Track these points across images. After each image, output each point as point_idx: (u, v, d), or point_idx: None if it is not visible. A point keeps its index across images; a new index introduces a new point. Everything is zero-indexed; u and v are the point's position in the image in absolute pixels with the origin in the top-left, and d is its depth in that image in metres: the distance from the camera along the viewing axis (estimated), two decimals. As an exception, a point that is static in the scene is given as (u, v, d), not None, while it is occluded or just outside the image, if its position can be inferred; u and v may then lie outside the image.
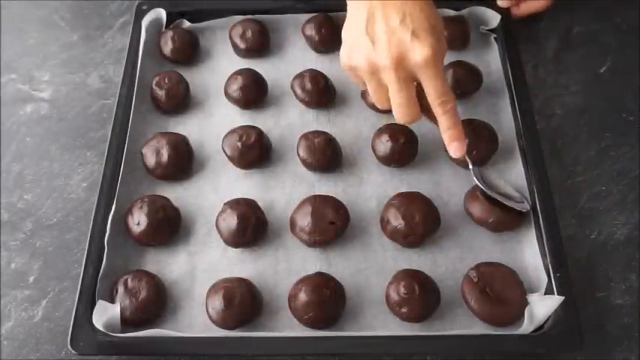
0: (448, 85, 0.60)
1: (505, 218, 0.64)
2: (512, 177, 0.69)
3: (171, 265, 0.65)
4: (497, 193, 0.65)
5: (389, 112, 0.74)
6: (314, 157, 0.69)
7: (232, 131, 0.71)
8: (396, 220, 0.63)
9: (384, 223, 0.65)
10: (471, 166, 0.66)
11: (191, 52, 0.80)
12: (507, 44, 0.78)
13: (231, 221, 0.64)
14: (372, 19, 0.59)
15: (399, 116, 0.61)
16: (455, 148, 0.61)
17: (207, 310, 0.60)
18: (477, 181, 0.65)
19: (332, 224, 0.64)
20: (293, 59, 0.81)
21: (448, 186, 0.69)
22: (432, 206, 0.65)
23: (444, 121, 0.60)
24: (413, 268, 0.62)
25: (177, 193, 0.69)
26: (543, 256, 0.62)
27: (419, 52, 0.56)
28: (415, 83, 0.60)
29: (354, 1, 0.61)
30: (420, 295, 0.59)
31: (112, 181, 0.68)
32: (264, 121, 0.75)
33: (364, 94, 0.75)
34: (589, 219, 0.68)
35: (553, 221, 0.64)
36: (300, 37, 0.82)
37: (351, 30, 0.61)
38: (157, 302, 0.61)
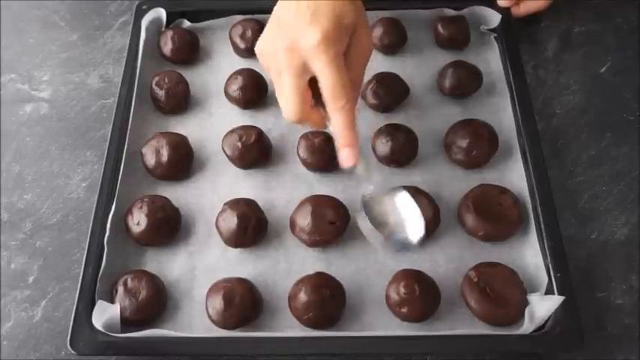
0: (348, 82, 0.54)
1: (495, 231, 0.64)
2: (512, 177, 0.69)
3: (172, 265, 0.65)
4: (379, 225, 0.58)
5: (389, 112, 0.75)
6: (314, 157, 0.69)
7: (232, 131, 0.71)
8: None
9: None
10: (364, 192, 0.58)
11: (191, 52, 0.80)
12: (507, 44, 0.78)
13: (231, 221, 0.64)
14: (283, 6, 0.57)
15: (283, 111, 0.57)
16: (346, 156, 0.56)
17: (207, 310, 0.60)
18: (361, 207, 0.58)
19: (332, 224, 0.64)
20: (293, 59, 0.81)
21: (448, 186, 0.69)
22: (432, 205, 0.65)
23: (335, 121, 0.55)
24: (413, 268, 0.62)
25: (177, 193, 0.69)
26: (543, 256, 0.62)
27: (311, 37, 0.53)
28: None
29: None
30: (420, 295, 0.59)
31: (112, 181, 0.68)
32: (264, 121, 0.75)
33: (364, 94, 0.75)
34: (589, 219, 0.68)
35: (553, 221, 0.64)
36: (300, 37, 0.82)
37: (271, 17, 0.59)
38: (157, 302, 0.61)
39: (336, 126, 0.56)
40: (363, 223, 0.57)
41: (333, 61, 0.53)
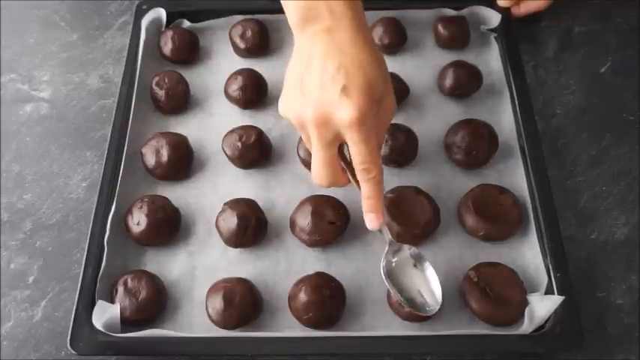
0: (377, 152, 0.55)
1: (495, 231, 0.64)
2: (512, 177, 0.69)
3: (171, 265, 0.65)
4: (407, 292, 0.58)
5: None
6: (314, 157, 0.69)
7: (232, 131, 0.71)
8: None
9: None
10: (383, 263, 0.59)
11: (191, 52, 0.80)
12: (507, 44, 0.78)
13: (231, 221, 0.64)
14: (309, 68, 0.54)
15: (313, 176, 0.57)
16: (370, 220, 0.57)
17: (207, 310, 0.60)
18: (383, 276, 0.58)
19: (332, 224, 0.64)
20: (293, 59, 0.81)
21: (448, 186, 0.69)
22: (432, 205, 0.65)
23: (364, 189, 0.56)
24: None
25: (177, 193, 0.69)
26: (543, 256, 0.62)
27: (345, 113, 0.51)
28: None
29: (298, 40, 0.56)
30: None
31: (112, 181, 0.68)
32: (264, 121, 0.75)
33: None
34: (589, 219, 0.68)
35: (553, 221, 0.64)
36: (300, 37, 0.82)
37: (290, 76, 0.56)
38: (157, 302, 0.61)
39: (365, 194, 0.57)
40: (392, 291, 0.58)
41: (367, 137, 0.53)
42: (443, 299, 0.59)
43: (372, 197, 0.56)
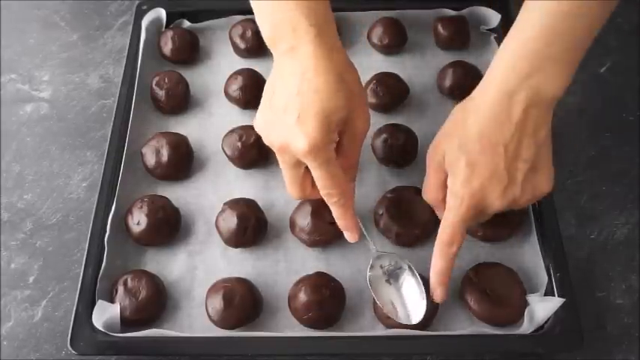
0: (341, 176, 0.55)
1: (495, 231, 0.64)
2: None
3: (172, 265, 0.65)
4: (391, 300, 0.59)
5: (389, 112, 0.75)
6: (314, 157, 0.69)
7: (232, 131, 0.71)
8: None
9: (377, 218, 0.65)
10: (369, 273, 0.60)
11: (191, 52, 0.80)
12: (507, 44, 0.78)
13: (231, 221, 0.64)
14: (277, 89, 0.54)
15: (287, 190, 0.59)
16: (347, 236, 0.59)
17: (207, 310, 0.60)
18: (367, 282, 0.59)
19: (332, 224, 0.64)
20: (293, 59, 0.81)
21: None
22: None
23: (332, 211, 0.57)
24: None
25: (177, 193, 0.69)
26: (543, 256, 0.62)
27: (299, 143, 0.51)
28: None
29: (274, 56, 0.56)
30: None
31: (112, 181, 0.68)
32: (264, 121, 0.75)
33: (364, 94, 0.75)
34: (589, 219, 0.68)
35: (553, 221, 0.64)
36: (300, 37, 0.82)
37: (266, 92, 0.56)
38: (157, 302, 0.61)
39: (334, 214, 0.58)
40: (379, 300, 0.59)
41: (323, 165, 0.53)
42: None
43: (339, 218, 0.58)
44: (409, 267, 0.60)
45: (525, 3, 0.53)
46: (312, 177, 0.56)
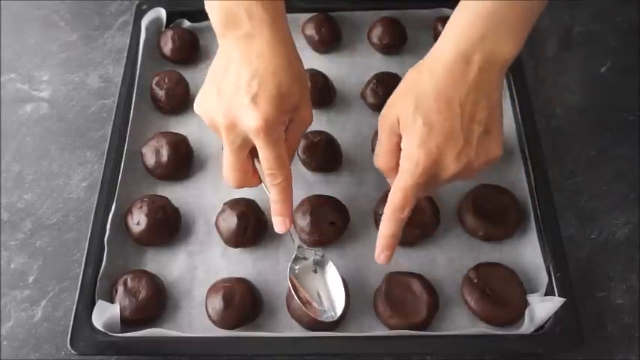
0: (286, 159, 0.56)
1: (495, 231, 0.64)
2: (512, 177, 0.69)
3: (172, 265, 0.65)
4: (307, 293, 0.59)
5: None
6: (314, 157, 0.69)
7: (232, 131, 0.71)
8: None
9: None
10: (291, 263, 0.60)
11: (191, 52, 0.80)
12: (507, 44, 0.78)
13: (231, 221, 0.64)
14: (226, 71, 0.55)
15: (223, 176, 0.58)
16: (277, 223, 0.58)
17: (207, 310, 0.60)
18: (288, 274, 0.59)
19: (332, 224, 0.64)
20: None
21: (448, 186, 0.69)
22: (432, 205, 0.65)
23: (271, 193, 0.57)
24: (411, 271, 0.62)
25: (177, 193, 0.69)
26: (543, 256, 0.62)
27: (251, 120, 0.52)
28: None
29: (221, 44, 0.57)
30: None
31: (112, 181, 0.67)
32: (264, 121, 0.75)
33: (364, 94, 0.75)
34: (589, 219, 0.68)
35: (553, 221, 0.64)
36: (299, 37, 0.81)
37: (210, 75, 0.57)
38: (157, 302, 0.61)
39: (272, 197, 0.57)
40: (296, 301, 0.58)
41: (273, 144, 0.54)
42: (441, 299, 0.59)
43: (279, 202, 0.57)
44: (331, 261, 0.60)
45: None
46: (253, 164, 0.57)
